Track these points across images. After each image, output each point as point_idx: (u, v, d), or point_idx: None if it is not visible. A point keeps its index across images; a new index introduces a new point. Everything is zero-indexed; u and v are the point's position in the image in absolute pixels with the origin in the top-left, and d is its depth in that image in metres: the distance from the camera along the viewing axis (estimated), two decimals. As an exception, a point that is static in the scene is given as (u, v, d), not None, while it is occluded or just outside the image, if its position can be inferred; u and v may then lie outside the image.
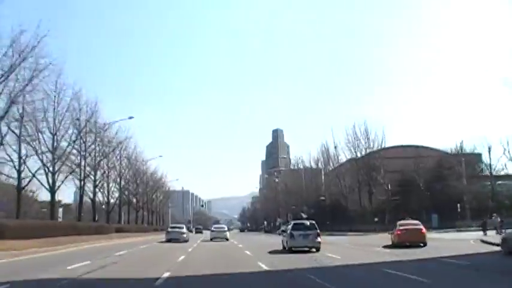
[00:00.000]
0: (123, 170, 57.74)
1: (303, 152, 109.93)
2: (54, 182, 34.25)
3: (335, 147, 71.17)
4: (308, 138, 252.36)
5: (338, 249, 24.16)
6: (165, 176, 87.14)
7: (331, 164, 75.99)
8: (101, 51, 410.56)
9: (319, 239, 21.57)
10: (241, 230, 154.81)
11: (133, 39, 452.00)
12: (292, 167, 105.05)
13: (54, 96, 34.98)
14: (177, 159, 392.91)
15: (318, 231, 21.87)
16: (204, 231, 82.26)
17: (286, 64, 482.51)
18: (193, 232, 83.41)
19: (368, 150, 66.85)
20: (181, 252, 22.40)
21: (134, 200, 67.64)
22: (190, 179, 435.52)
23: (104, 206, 52.51)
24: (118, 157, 54.36)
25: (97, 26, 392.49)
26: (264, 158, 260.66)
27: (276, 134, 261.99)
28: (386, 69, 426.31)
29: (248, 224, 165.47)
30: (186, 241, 34.84)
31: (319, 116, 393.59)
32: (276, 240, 31.92)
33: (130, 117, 47.04)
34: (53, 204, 35.87)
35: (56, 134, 34.85)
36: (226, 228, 43.30)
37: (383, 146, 66.28)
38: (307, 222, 23.22)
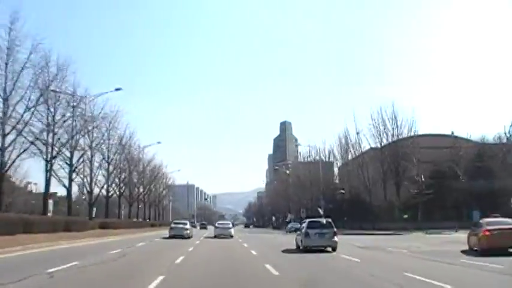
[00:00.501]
0: (112, 155, 49.60)
1: (315, 142, 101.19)
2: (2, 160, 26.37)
3: (357, 133, 62.40)
4: (318, 131, 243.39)
5: (411, 265, 15.35)
6: (166, 166, 78.64)
7: (351, 153, 67.25)
8: (106, 50, 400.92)
9: (336, 238, 20.46)
10: (246, 226, 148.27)
11: (135, 33, 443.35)
12: (302, 159, 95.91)
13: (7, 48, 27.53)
14: (183, 154, 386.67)
15: (335, 229, 20.78)
16: (208, 227, 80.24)
17: (294, 55, 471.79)
18: (198, 228, 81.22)
19: (396, 137, 58.29)
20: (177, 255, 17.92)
21: (128, 192, 59.58)
22: (195, 173, 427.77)
23: (85, 197, 44.21)
24: (105, 137, 46.53)
25: (98, 24, 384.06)
26: (271, 152, 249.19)
27: (284, 127, 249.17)
28: (409, 52, 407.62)
29: (254, 219, 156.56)
30: (190, 237, 34.65)
31: (331, 107, 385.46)
32: (286, 239, 29.48)
33: (118, 89, 39.01)
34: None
35: (8, 97, 27.36)
36: (231, 225, 41.38)
37: (413, 132, 57.57)
38: (323, 220, 22.36)
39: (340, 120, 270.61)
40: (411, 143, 55.66)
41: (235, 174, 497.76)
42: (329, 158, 75.44)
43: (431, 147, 57.65)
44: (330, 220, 21.88)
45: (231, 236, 36.74)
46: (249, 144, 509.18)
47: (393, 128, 58.24)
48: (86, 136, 39.85)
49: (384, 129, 58.38)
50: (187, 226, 36.46)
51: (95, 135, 41.52)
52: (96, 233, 34.30)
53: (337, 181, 75.94)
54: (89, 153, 40.83)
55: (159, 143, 68.93)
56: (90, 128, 39.50)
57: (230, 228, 38.63)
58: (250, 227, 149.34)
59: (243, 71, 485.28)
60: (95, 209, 45.02)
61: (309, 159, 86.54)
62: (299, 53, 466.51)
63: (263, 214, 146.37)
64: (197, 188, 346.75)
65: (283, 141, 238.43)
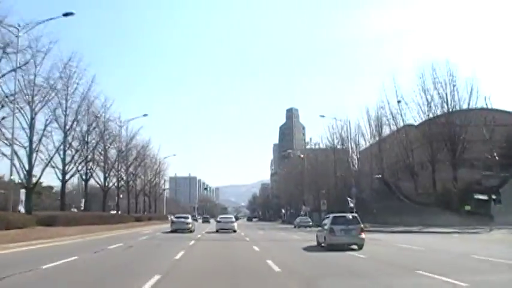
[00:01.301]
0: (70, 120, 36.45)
1: (324, 130, 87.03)
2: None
3: (398, 102, 48.16)
4: (327, 118, 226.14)
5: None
6: (156, 149, 65.23)
7: (385, 131, 53.43)
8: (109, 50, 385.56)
9: (363, 235, 18.63)
10: (249, 219, 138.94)
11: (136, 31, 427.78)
12: (313, 145, 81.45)
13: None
14: (185, 146, 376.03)
15: (362, 225, 18.95)
16: (211, 220, 77.95)
17: (298, 40, 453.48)
18: (201, 221, 78.99)
19: (450, 108, 44.77)
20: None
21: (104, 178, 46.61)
22: (197, 166, 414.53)
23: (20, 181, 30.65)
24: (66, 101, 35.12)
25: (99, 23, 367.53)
26: (276, 141, 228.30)
27: (291, 114, 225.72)
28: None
29: (260, 213, 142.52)
30: (192, 231, 34.26)
31: (342, 90, 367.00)
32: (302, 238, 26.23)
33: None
34: None
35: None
36: (233, 219, 39.45)
37: (475, 101, 43.82)
38: (349, 215, 20.48)
39: (353, 103, 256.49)
40: (472, 115, 42.16)
41: (238, 166, 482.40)
42: (354, 138, 60.90)
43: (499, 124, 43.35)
44: (356, 215, 20.92)
45: (234, 231, 35.30)
46: (252, 136, 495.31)
47: (446, 96, 44.57)
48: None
49: (431, 99, 44.87)
50: (189, 220, 36.23)
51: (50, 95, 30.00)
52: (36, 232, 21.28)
53: (357, 167, 61.34)
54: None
55: (145, 115, 56.55)
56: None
57: (233, 222, 37.22)
58: (254, 220, 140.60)
59: (246, 58, 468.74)
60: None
61: (320, 145, 72.95)
62: (303, 36, 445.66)
63: (269, 207, 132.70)
64: (199, 180, 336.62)
65: (289, 129, 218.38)
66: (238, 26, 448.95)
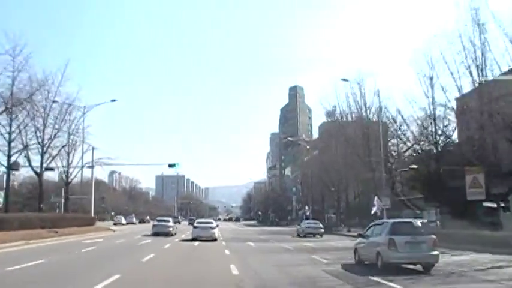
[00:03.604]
0: None
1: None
2: None
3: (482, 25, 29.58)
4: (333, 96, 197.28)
5: None
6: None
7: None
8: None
9: (436, 251, 13.76)
10: (236, 220, 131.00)
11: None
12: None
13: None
14: (174, 145, 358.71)
15: (435, 237, 14.05)
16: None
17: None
18: (187, 223, 78.50)
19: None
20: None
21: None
22: (186, 166, 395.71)
23: None
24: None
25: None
26: (275, 130, 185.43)
27: (295, 92, 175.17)
28: None
29: (260, 213, 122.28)
30: (172, 235, 34.27)
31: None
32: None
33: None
34: None
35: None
36: (214, 224, 33.24)
37: None
38: (417, 222, 15.38)
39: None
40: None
41: (228, 167, 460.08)
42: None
43: None
44: (424, 220, 17.98)
45: (214, 239, 30.26)
46: (243, 135, 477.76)
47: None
48: None
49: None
50: (170, 224, 36.19)
51: None
52: None
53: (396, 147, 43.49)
54: None
55: (113, 100, 47.96)
56: None
57: (213, 227, 31.77)
58: (241, 220, 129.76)
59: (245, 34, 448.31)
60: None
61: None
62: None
63: (267, 206, 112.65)
64: (188, 180, 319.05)
65: (293, 112, 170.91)
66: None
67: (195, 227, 32.24)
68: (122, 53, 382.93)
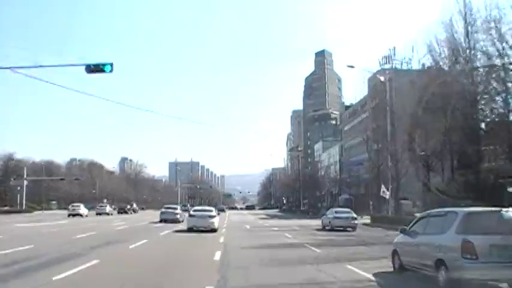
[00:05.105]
0: None
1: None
2: None
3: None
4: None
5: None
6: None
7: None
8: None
9: None
10: (249, 208, 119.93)
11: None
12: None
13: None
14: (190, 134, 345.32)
15: None
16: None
17: None
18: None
19: None
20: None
21: None
22: (201, 153, 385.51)
23: None
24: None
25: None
26: (295, 107, 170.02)
27: (322, 58, 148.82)
28: None
29: (285, 201, 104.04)
30: (180, 222, 34.45)
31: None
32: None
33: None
34: None
35: None
36: (213, 212, 29.59)
37: None
38: (510, 212, 9.07)
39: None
40: None
41: (243, 156, 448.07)
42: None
43: None
44: None
45: (214, 230, 26.05)
46: (259, 123, 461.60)
47: None
48: None
49: None
50: (177, 211, 38.04)
51: None
52: None
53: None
54: None
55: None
56: None
57: (212, 216, 27.85)
58: (256, 208, 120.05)
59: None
60: None
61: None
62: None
63: (293, 189, 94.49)
64: (202, 166, 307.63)
65: (320, 81, 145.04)
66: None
67: (190, 216, 28.62)
68: (137, 30, 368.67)
